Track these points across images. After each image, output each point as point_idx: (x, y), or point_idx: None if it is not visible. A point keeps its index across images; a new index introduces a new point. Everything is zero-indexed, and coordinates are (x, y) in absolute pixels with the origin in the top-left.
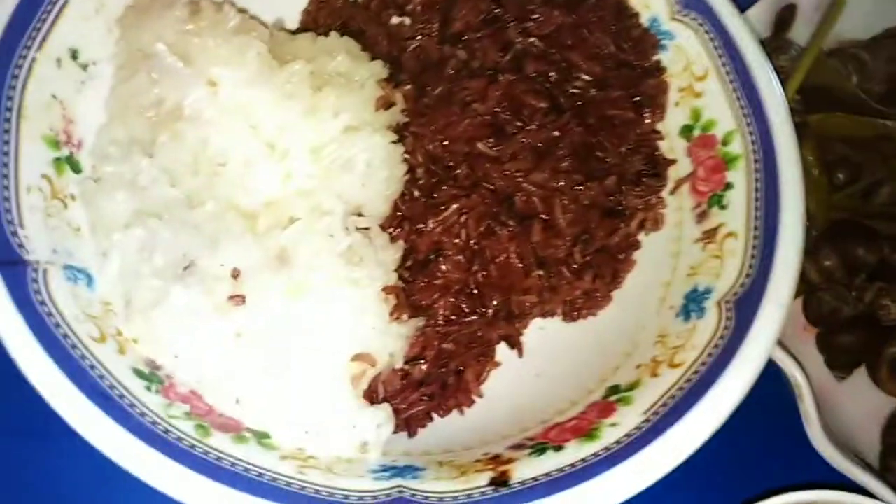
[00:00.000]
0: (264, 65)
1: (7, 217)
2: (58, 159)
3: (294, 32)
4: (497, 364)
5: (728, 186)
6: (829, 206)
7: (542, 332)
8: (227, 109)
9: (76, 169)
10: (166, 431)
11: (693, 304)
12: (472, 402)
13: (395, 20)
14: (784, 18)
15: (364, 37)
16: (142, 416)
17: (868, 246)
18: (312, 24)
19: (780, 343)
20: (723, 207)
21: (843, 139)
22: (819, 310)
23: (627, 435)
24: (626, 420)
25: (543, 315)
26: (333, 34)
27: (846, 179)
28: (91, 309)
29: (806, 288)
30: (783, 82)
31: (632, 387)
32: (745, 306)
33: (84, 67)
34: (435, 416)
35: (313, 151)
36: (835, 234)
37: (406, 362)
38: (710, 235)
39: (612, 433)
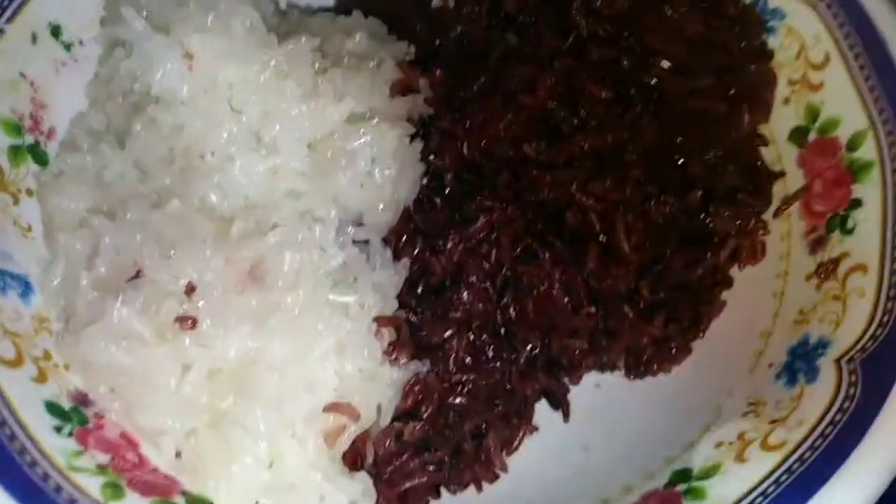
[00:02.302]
0: (255, 37)
1: None
2: (16, 147)
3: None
4: (533, 429)
5: (854, 204)
6: None
7: (597, 391)
8: (204, 88)
9: (41, 160)
10: (57, 489)
11: (801, 361)
12: (495, 476)
13: (436, 3)
14: None
15: (400, 24)
16: (30, 466)
17: None
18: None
19: None
20: (847, 232)
21: None
22: None
23: None
24: None
25: (601, 368)
26: (357, 12)
27: None
28: (15, 324)
29: None
30: None
31: (707, 473)
32: (877, 367)
33: (67, 47)
34: (443, 492)
35: (309, 145)
36: None
37: (396, 418)
38: (827, 269)
39: None
